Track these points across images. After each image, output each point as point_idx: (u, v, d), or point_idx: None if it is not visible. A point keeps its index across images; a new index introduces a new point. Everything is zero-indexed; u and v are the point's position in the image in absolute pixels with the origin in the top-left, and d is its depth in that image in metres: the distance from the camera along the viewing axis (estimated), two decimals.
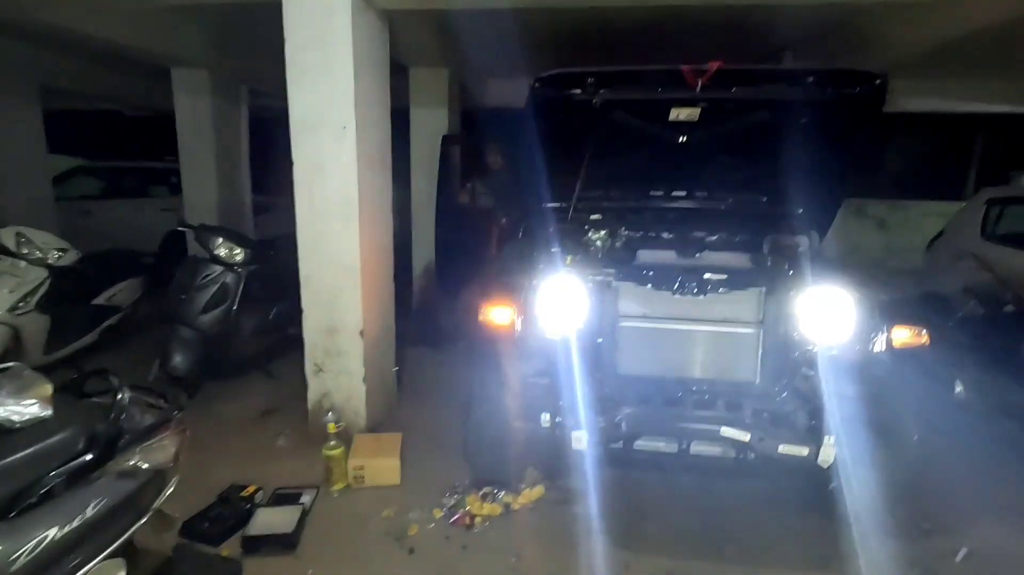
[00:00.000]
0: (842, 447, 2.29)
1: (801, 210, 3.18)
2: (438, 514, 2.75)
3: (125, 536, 1.64)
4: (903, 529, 2.64)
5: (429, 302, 5.23)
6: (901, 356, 2.33)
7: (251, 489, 2.86)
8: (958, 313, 3.86)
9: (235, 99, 6.10)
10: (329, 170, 3.16)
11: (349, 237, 3.21)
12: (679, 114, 2.76)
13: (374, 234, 3.42)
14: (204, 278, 3.93)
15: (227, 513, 2.68)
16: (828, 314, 2.35)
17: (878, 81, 2.35)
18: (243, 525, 2.58)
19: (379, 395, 3.60)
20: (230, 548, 2.51)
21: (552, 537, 2.62)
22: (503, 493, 2.85)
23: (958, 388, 3.83)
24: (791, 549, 2.56)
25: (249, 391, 4.18)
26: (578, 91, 2.62)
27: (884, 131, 7.06)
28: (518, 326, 2.52)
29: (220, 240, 3.98)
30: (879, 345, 2.33)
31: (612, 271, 2.55)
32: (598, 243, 3.25)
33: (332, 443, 2.91)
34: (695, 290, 2.45)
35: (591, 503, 2.81)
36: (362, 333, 3.32)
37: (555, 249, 2.75)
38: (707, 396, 2.44)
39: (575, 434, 2.43)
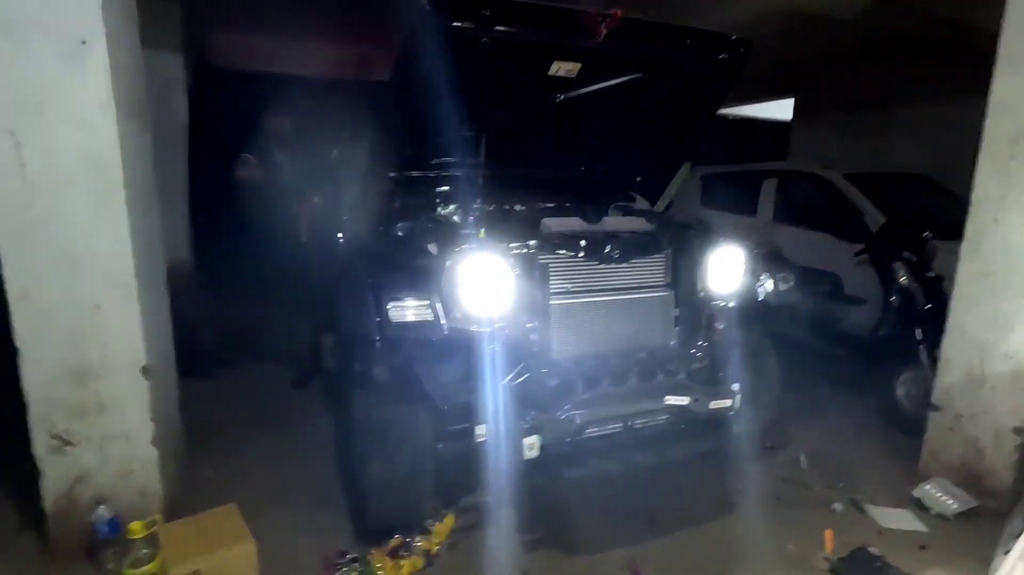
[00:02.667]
0: (744, 390, 2.46)
1: (639, 178, 3.32)
2: None
3: None
4: (757, 451, 3.02)
5: (185, 318, 3.87)
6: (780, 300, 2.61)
7: None
8: None
9: None
10: (56, 113, 1.91)
11: (110, 223, 2.01)
12: (559, 68, 2.50)
13: (144, 218, 2.25)
14: None
15: None
16: (726, 269, 2.46)
17: (742, 49, 2.54)
18: None
19: (171, 459, 2.44)
20: None
21: (497, 569, 2.16)
22: (417, 539, 2.22)
23: None
24: (707, 497, 2.66)
25: None
26: (470, 23, 2.12)
27: None
28: (443, 321, 1.94)
29: None
30: (763, 293, 2.55)
31: (537, 243, 2.17)
32: (455, 219, 2.86)
33: (145, 553, 1.81)
34: (617, 256, 2.27)
35: (511, 516, 2.44)
36: (146, 370, 2.16)
37: (464, 223, 2.23)
38: (640, 368, 2.32)
39: (527, 441, 2.03)
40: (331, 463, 2.87)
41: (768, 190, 5.08)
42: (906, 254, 3.47)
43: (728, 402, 2.36)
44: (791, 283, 2.57)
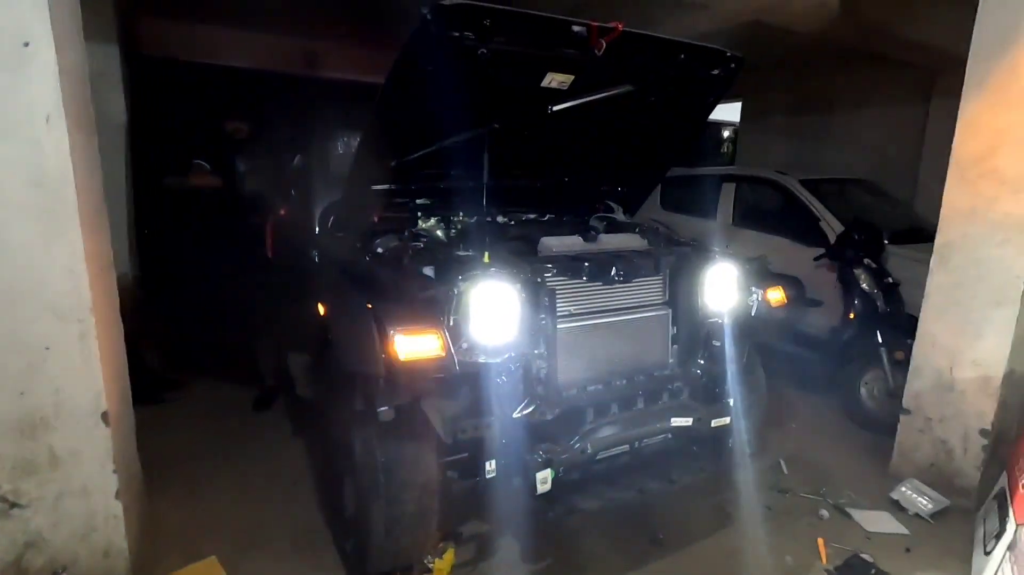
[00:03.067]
0: (737, 405, 2.49)
1: (620, 188, 3.29)
2: None
3: None
4: (738, 457, 3.08)
5: (127, 337, 3.53)
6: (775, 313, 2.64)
7: None
8: None
9: None
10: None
11: (62, 253, 1.75)
12: (552, 80, 2.41)
13: (98, 244, 1.98)
14: None
15: None
16: (722, 285, 2.46)
17: (733, 65, 2.54)
18: None
19: (135, 510, 2.18)
20: None
21: None
22: None
23: None
24: (704, 510, 2.67)
25: None
26: (470, 34, 1.99)
27: None
28: (453, 354, 1.81)
29: None
30: (756, 307, 2.57)
31: (547, 266, 2.08)
32: (439, 233, 2.74)
33: None
34: (622, 278, 2.22)
35: (514, 545, 2.36)
36: (107, 416, 1.90)
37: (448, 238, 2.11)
38: (644, 390, 2.28)
39: (539, 476, 1.94)
40: (309, 498, 2.67)
41: (727, 194, 5.21)
42: (866, 260, 3.64)
43: (728, 419, 2.37)
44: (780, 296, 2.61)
